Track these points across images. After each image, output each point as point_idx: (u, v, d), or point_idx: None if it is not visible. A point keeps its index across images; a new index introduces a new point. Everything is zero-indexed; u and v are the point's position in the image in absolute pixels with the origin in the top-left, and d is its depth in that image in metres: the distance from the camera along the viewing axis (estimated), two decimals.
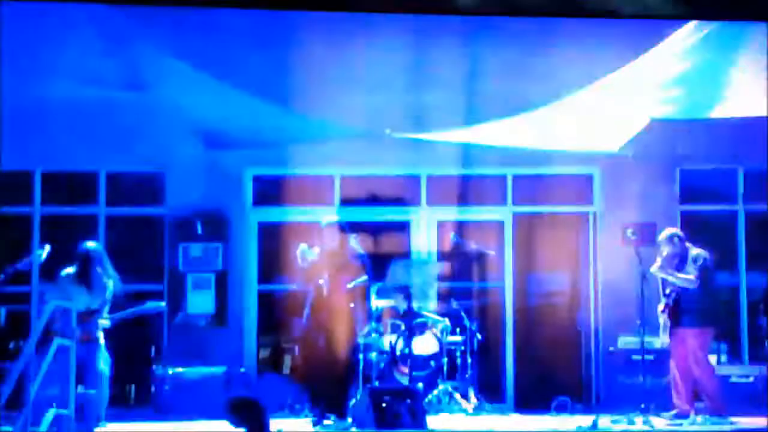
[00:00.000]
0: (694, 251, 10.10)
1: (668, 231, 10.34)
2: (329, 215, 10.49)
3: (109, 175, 12.21)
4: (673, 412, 9.93)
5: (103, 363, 9.33)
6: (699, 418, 9.83)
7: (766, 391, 10.88)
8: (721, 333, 11.04)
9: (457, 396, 10.83)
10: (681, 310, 9.95)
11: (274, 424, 9.84)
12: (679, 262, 10.10)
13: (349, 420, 9.49)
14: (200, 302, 11.96)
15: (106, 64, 10.70)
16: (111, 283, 9.48)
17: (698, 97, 10.99)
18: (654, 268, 10.09)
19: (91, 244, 9.65)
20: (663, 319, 10.06)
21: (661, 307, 10.07)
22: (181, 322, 11.93)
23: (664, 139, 11.76)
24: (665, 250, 10.10)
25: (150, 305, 9.66)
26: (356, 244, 10.13)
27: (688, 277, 9.94)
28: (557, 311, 12.51)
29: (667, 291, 10.08)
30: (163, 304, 9.62)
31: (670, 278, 10.01)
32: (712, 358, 11.43)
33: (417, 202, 12.45)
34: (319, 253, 9.96)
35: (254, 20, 10.38)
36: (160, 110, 11.38)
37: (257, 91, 11.00)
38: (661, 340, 10.23)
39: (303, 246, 9.80)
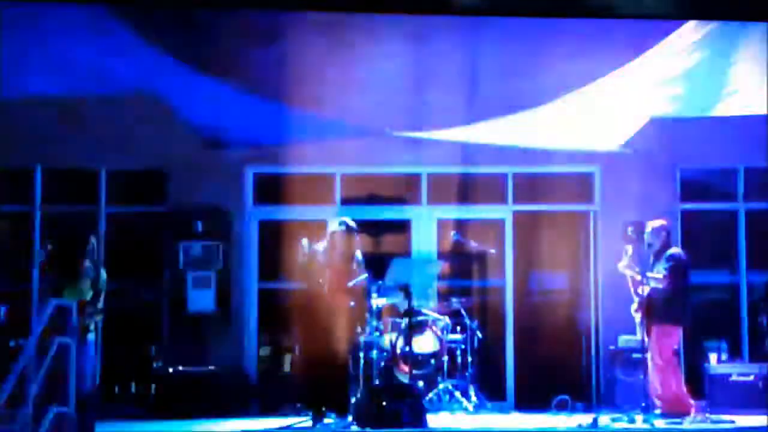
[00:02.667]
0: (672, 249, 10.09)
1: (652, 224, 10.30)
2: (338, 217, 10.44)
3: (110, 173, 12.21)
4: (658, 410, 9.91)
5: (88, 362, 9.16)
6: (700, 417, 9.81)
7: (766, 390, 10.91)
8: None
9: (458, 394, 10.83)
10: (652, 308, 9.93)
11: (274, 423, 9.91)
12: (655, 258, 10.08)
13: (350, 418, 9.49)
14: (200, 301, 11.97)
15: (107, 63, 10.71)
16: (104, 272, 9.41)
17: (698, 96, 11.01)
18: (621, 266, 10.09)
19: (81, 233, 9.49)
20: (638, 317, 10.04)
21: (634, 306, 10.07)
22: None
23: (665, 138, 11.77)
24: (631, 248, 10.08)
25: None
26: (357, 244, 10.13)
27: (656, 276, 9.94)
28: (558, 309, 12.52)
29: (639, 290, 10.05)
30: None
31: (638, 277, 9.99)
32: (713, 357, 11.49)
33: (417, 200, 12.46)
34: (322, 251, 9.95)
35: (254, 20, 10.39)
36: (161, 109, 11.40)
37: (258, 90, 11.01)
38: (638, 338, 10.20)
39: (305, 241, 9.81)
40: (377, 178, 12.45)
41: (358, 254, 10.10)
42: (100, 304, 9.16)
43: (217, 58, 10.75)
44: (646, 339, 9.96)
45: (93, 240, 9.30)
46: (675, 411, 9.77)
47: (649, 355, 9.96)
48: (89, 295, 9.11)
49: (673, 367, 10.03)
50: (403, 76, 11.04)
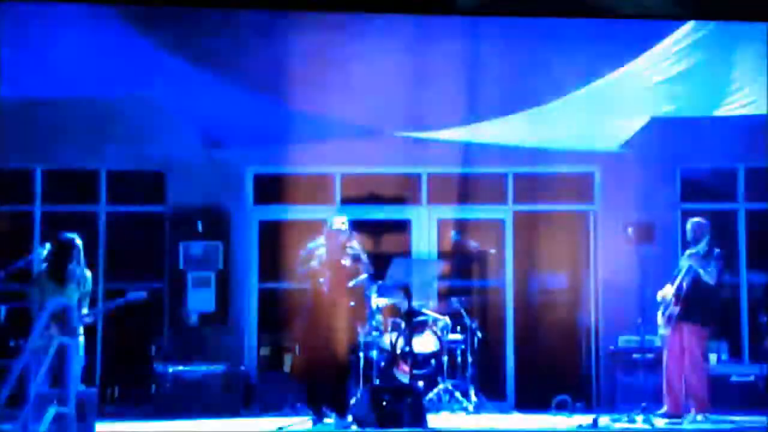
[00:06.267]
0: (716, 249, 10.02)
1: (698, 220, 10.24)
2: (335, 216, 10.41)
3: (110, 173, 12.21)
4: (664, 409, 9.89)
5: (76, 364, 8.95)
6: (699, 417, 9.80)
7: (766, 390, 10.90)
8: (717, 333, 11.06)
9: (458, 394, 10.83)
10: (692, 305, 9.89)
11: (274, 423, 9.91)
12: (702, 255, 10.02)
13: (350, 418, 9.49)
14: (201, 301, 11.97)
15: (107, 63, 10.70)
16: (89, 275, 9.31)
17: (698, 96, 10.99)
18: (687, 254, 9.96)
19: (68, 236, 9.28)
20: (670, 310, 9.95)
21: (668, 295, 9.94)
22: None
23: (665, 138, 11.77)
24: (703, 242, 9.97)
25: (131, 295, 9.50)
26: (356, 243, 10.13)
27: (712, 271, 9.89)
28: (558, 310, 12.52)
29: (683, 283, 9.94)
30: (143, 293, 9.44)
31: (702, 271, 9.89)
32: (712, 357, 11.48)
33: (418, 200, 12.46)
34: (322, 252, 9.94)
35: (255, 20, 10.37)
36: (162, 109, 11.40)
37: (258, 90, 11.00)
38: (661, 333, 10.16)
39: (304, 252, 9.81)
40: (377, 178, 12.46)
41: (360, 253, 10.05)
42: (86, 308, 9.15)
43: (217, 57, 10.74)
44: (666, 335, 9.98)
45: (79, 242, 9.28)
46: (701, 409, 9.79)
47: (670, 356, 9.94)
48: (75, 298, 9.10)
49: (705, 368, 10.06)
50: (403, 76, 11.03)
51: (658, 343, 10.54)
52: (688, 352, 9.90)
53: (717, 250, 9.99)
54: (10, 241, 11.65)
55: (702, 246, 9.87)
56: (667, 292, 10.02)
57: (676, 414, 9.81)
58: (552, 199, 12.36)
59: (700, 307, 9.92)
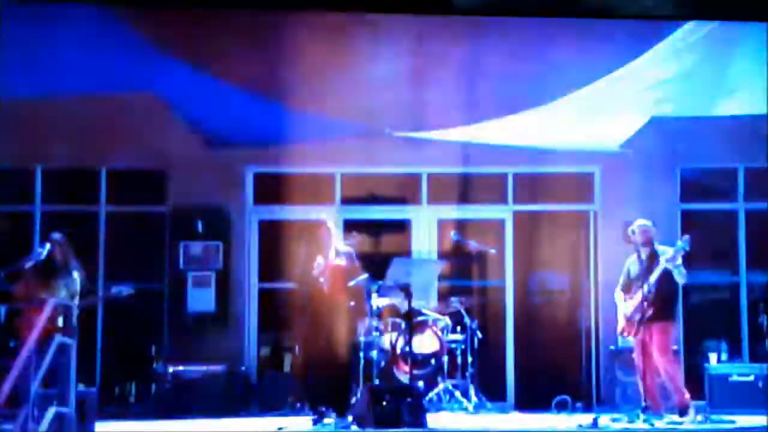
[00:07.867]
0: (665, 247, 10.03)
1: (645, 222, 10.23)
2: (329, 215, 10.44)
3: (110, 172, 12.21)
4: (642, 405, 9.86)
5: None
6: (699, 417, 9.80)
7: (766, 390, 10.90)
8: (717, 332, 11.08)
9: (458, 394, 10.84)
10: (664, 304, 9.89)
11: (274, 423, 9.92)
12: (649, 257, 10.02)
13: (350, 418, 9.48)
14: (201, 301, 11.97)
15: (107, 63, 10.71)
16: (77, 274, 9.31)
17: (698, 96, 11.01)
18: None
19: (55, 235, 9.38)
20: (641, 312, 9.93)
21: (635, 298, 9.93)
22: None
23: (665, 138, 11.78)
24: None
25: (116, 291, 9.51)
26: (350, 242, 10.16)
27: (682, 270, 9.93)
28: (558, 310, 12.51)
29: (654, 285, 9.93)
30: (129, 288, 9.44)
31: (676, 271, 9.91)
32: (712, 357, 11.50)
33: (418, 200, 12.46)
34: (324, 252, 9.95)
35: (255, 20, 10.38)
36: (161, 109, 11.40)
37: (258, 90, 11.02)
38: (626, 334, 10.11)
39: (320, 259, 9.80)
40: (377, 178, 12.46)
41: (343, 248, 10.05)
42: (76, 306, 9.15)
43: (217, 58, 10.75)
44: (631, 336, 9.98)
45: (63, 242, 9.30)
46: (681, 405, 9.78)
47: (654, 354, 9.92)
48: (62, 297, 9.10)
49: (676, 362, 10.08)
50: (403, 76, 11.04)
51: None
52: (661, 349, 9.86)
53: (685, 250, 9.97)
54: (10, 241, 11.65)
55: (681, 245, 9.90)
56: (630, 295, 9.98)
57: (657, 411, 9.77)
58: (552, 199, 12.36)
59: (671, 304, 9.98)
